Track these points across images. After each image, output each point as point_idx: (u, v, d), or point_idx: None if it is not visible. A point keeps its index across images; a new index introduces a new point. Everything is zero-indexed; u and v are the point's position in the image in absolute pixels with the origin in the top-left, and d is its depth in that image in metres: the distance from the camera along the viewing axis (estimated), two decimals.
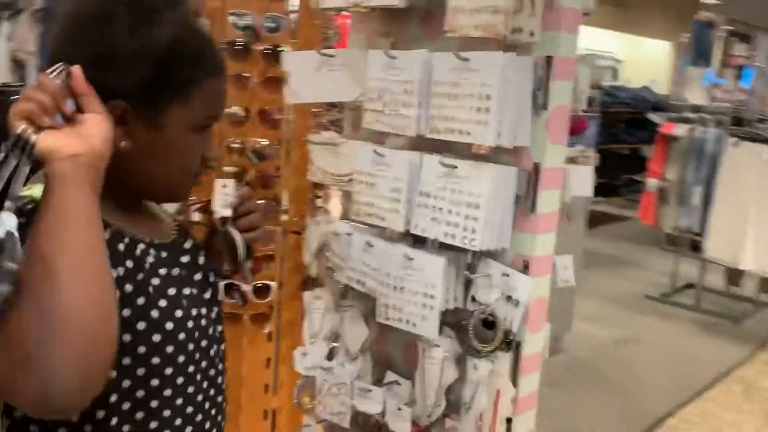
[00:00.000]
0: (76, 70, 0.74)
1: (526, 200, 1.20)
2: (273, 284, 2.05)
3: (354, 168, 1.36)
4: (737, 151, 4.38)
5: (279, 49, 1.95)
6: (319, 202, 1.89)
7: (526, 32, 1.11)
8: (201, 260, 0.97)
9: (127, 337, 0.78)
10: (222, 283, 1.07)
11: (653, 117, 5.87)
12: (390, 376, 1.44)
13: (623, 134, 7.82)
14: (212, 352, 0.94)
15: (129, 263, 0.81)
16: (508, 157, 1.21)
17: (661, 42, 10.22)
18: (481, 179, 1.16)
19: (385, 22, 1.35)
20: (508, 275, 1.22)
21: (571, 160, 4.28)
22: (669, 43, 10.15)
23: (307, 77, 1.41)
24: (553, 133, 1.19)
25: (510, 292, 1.22)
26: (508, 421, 1.28)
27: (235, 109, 1.97)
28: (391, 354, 1.49)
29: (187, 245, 0.96)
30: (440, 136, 1.19)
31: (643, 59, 10.45)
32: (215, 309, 0.98)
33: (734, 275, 4.90)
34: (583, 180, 1.31)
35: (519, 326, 1.22)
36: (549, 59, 1.15)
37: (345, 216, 1.50)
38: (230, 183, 1.06)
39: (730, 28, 5.50)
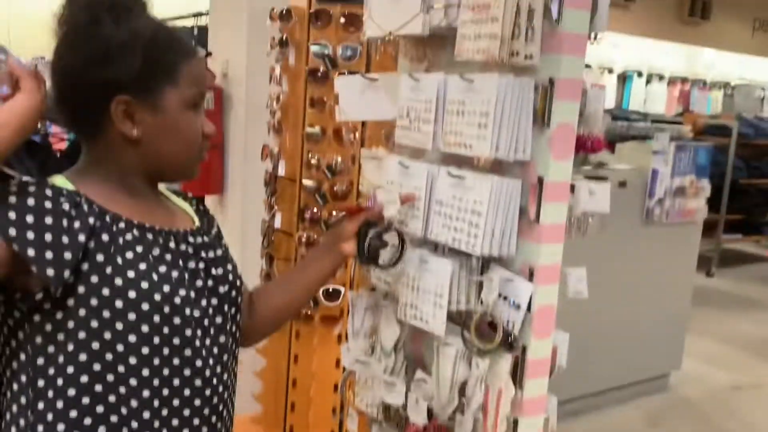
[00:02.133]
0: (11, 55, 0.91)
1: (530, 211, 1.28)
2: (343, 289, 2.23)
3: (386, 178, 1.51)
4: None
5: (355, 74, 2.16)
6: None
7: (522, 56, 1.21)
8: (209, 254, 1.07)
9: (94, 302, 0.89)
10: None
11: None
12: (419, 373, 1.56)
13: None
14: (199, 341, 0.99)
15: (105, 237, 0.92)
16: (517, 171, 1.31)
17: None
18: (483, 189, 1.26)
19: (419, 48, 1.50)
20: (512, 280, 1.31)
21: (681, 191, 4.15)
22: None
23: (354, 98, 1.59)
24: (557, 149, 1.26)
25: (513, 297, 1.30)
26: (515, 423, 1.35)
27: (314, 129, 2.20)
28: (424, 353, 1.60)
29: (196, 239, 1.06)
30: (450, 149, 1.31)
31: None
32: (213, 300, 1.05)
33: None
34: (600, 197, 1.36)
35: (521, 329, 1.30)
36: (552, 80, 1.24)
37: None
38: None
39: None
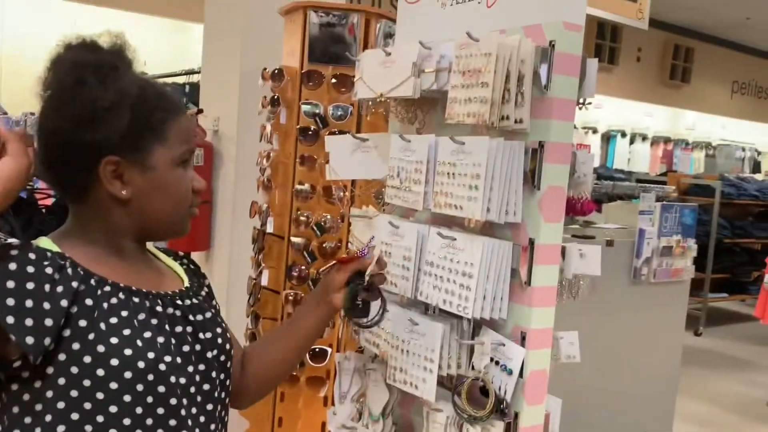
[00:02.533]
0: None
1: (521, 273, 1.27)
2: (329, 349, 2.19)
3: (376, 236, 1.50)
4: None
5: (345, 133, 2.18)
6: None
7: (512, 120, 1.22)
8: (197, 317, 1.04)
9: (75, 370, 0.86)
10: None
11: None
12: None
13: (752, 228, 7.32)
14: (185, 410, 0.95)
15: (88, 301, 0.89)
16: (508, 233, 1.30)
17: None
18: (474, 250, 1.25)
19: (410, 109, 1.51)
20: (503, 345, 1.28)
21: (667, 250, 4.14)
22: None
23: (344, 157, 1.59)
24: (547, 211, 1.26)
25: (505, 362, 1.28)
26: None
27: (304, 186, 2.20)
28: (413, 419, 1.56)
29: (184, 302, 1.03)
30: (441, 210, 1.31)
31: None
32: (201, 365, 1.01)
33: None
34: (590, 259, 1.36)
35: (513, 395, 1.27)
36: (542, 144, 1.25)
37: None
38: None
39: None
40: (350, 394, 1.65)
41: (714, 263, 6.67)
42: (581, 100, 1.31)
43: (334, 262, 1.29)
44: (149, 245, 1.12)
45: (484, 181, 1.21)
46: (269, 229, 2.23)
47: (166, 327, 0.97)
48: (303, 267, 2.20)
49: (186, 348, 1.00)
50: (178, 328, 1.00)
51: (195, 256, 3.34)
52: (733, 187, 7.00)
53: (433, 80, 1.34)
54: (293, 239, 2.21)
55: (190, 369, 0.99)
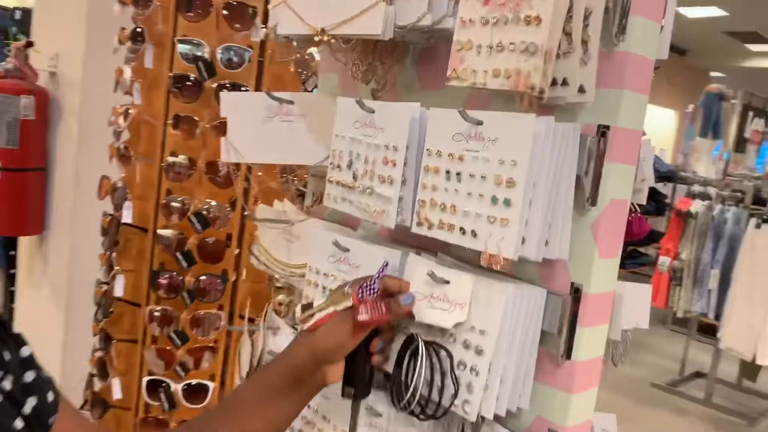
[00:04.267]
0: None
1: (557, 340, 0.78)
2: (212, 384, 1.61)
3: (308, 261, 0.94)
4: (759, 235, 4.00)
5: (243, 88, 1.57)
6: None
7: (573, 87, 0.71)
8: None
9: None
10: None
11: (659, 187, 5.51)
12: None
13: None
14: None
15: None
16: (533, 272, 0.80)
17: (668, 111, 10.00)
18: (492, 307, 0.74)
19: (365, 61, 0.95)
20: None
21: None
22: (674, 111, 9.94)
23: (252, 128, 1.01)
24: (605, 240, 0.78)
25: None
26: None
27: (178, 159, 1.57)
28: None
29: None
30: (431, 232, 0.78)
31: (649, 128, 10.24)
32: None
33: (750, 369, 4.45)
34: (640, 305, 0.90)
35: None
36: (604, 130, 0.75)
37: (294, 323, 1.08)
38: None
39: (731, 101, 5.18)
40: None
41: None
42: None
43: (321, 312, 0.76)
44: None
45: (524, 190, 0.69)
46: (126, 217, 1.59)
47: None
48: (175, 273, 1.58)
49: None
50: None
51: (24, 242, 2.55)
52: None
53: (425, 10, 0.79)
54: (161, 233, 1.59)
55: None
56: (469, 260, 0.84)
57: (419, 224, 0.79)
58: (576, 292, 0.78)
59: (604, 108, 0.76)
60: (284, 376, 0.76)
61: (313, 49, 1.60)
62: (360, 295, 0.75)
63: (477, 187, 0.73)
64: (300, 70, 1.63)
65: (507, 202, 0.70)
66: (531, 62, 0.68)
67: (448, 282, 0.77)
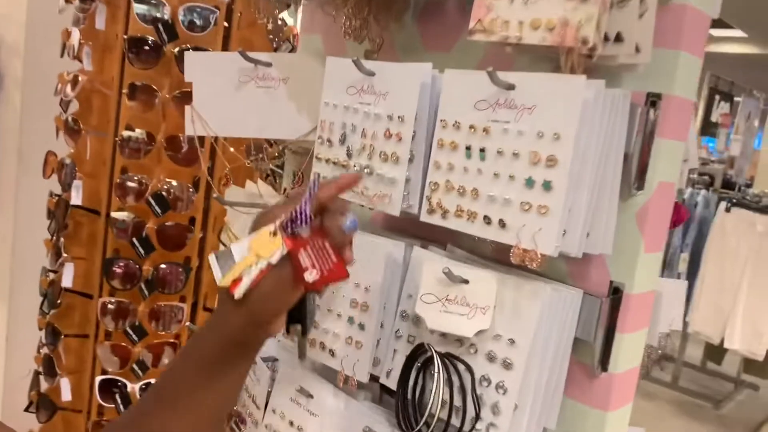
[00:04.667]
0: None
1: (593, 349, 0.66)
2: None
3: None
4: (729, 218, 3.98)
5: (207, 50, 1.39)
6: None
7: (629, 44, 0.58)
8: None
9: None
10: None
11: None
12: None
13: None
14: None
15: None
16: (562, 268, 0.68)
17: None
18: (526, 314, 0.61)
19: (358, 16, 0.80)
20: None
21: None
22: None
23: (223, 95, 0.85)
24: (651, 231, 0.65)
25: None
26: None
27: (135, 134, 1.39)
28: None
29: None
30: (446, 221, 0.64)
31: None
32: None
33: (716, 351, 4.48)
34: (676, 303, 0.78)
35: None
36: (654, 99, 0.62)
37: None
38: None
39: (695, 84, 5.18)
40: None
41: None
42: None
43: (250, 271, 0.57)
44: None
45: (569, 171, 0.56)
46: (76, 199, 1.41)
47: None
48: (131, 261, 1.41)
49: None
50: None
51: None
52: None
53: None
54: (115, 216, 1.42)
55: None
56: (482, 253, 0.71)
57: (431, 211, 0.66)
58: (616, 293, 0.66)
59: (655, 73, 0.63)
60: (223, 348, 0.61)
61: (284, 14, 1.44)
62: (290, 231, 0.56)
63: (507, 166, 0.60)
64: (271, 37, 1.47)
65: (547, 185, 0.57)
66: (582, 10, 0.55)
67: (467, 281, 0.64)
